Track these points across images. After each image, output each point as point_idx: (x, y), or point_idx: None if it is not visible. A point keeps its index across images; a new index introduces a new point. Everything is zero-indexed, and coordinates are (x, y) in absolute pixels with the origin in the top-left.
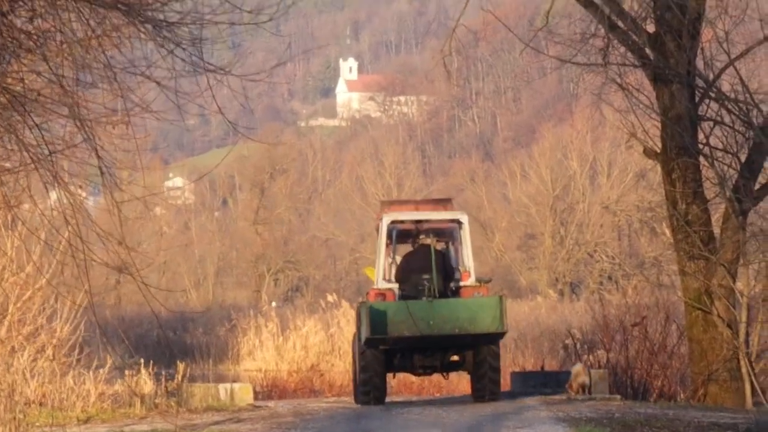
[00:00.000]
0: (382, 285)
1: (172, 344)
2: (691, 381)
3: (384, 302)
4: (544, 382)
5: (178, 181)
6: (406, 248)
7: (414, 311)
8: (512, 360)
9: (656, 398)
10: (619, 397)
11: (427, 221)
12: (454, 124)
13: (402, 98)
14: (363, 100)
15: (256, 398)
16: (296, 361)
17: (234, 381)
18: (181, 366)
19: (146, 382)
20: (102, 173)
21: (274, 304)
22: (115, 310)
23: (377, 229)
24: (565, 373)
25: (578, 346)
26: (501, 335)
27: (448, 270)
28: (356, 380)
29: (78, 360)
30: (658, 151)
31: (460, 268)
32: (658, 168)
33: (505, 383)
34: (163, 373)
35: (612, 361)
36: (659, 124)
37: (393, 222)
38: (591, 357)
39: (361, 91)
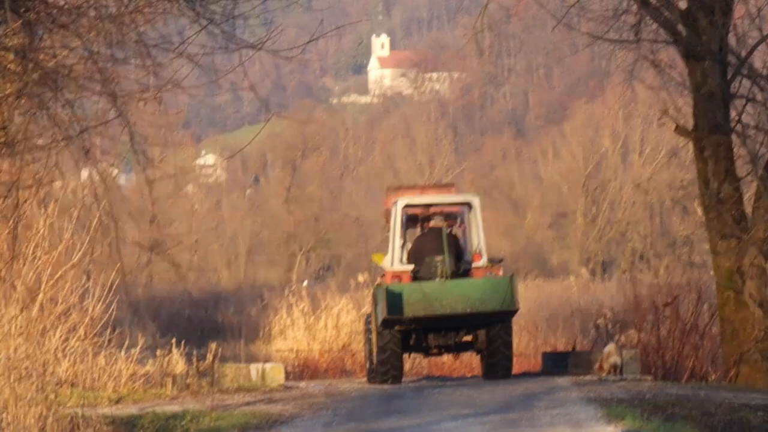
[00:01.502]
0: (398, 267)
1: (203, 324)
2: (722, 361)
3: (400, 284)
4: (576, 363)
5: (209, 159)
6: (411, 233)
7: (428, 292)
8: (544, 340)
9: (687, 379)
10: (650, 377)
11: (437, 205)
12: (486, 101)
13: (434, 75)
14: (395, 76)
15: (287, 378)
16: (328, 341)
17: (265, 361)
18: (212, 346)
19: (178, 362)
20: (134, 150)
21: (305, 283)
22: (147, 289)
23: (386, 215)
24: (597, 353)
25: (610, 326)
26: (512, 313)
27: (459, 251)
28: (370, 361)
29: (110, 340)
30: (690, 128)
31: (471, 249)
32: (690, 146)
33: (537, 363)
34: (195, 353)
35: (643, 341)
36: (691, 102)
37: (407, 206)
38: (622, 337)
39: (393, 67)
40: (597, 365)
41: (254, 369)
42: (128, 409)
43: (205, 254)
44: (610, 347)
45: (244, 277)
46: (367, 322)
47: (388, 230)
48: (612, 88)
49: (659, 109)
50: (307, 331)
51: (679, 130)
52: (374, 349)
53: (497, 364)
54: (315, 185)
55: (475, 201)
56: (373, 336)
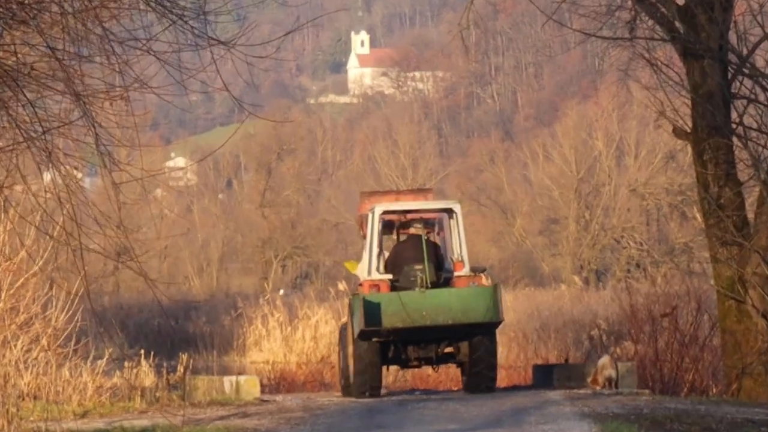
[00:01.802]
0: (375, 276)
1: (173, 334)
2: (724, 375)
3: (378, 293)
4: (569, 376)
5: (180, 161)
6: (387, 240)
7: (407, 302)
8: (534, 352)
9: (687, 393)
10: (647, 391)
11: (417, 211)
12: (472, 102)
13: (417, 74)
14: (375, 75)
15: (263, 392)
16: (305, 353)
17: (240, 373)
18: (183, 357)
19: (147, 375)
20: (99, 152)
21: (281, 291)
22: (114, 298)
23: (360, 222)
24: (591, 365)
25: (604, 337)
26: (496, 324)
27: (439, 260)
28: (345, 373)
29: (74, 351)
30: (689, 130)
31: (452, 257)
32: (689, 149)
33: (527, 376)
34: (165, 365)
35: (640, 354)
36: (689, 102)
37: (384, 212)
38: (618, 349)
39: (374, 66)
40: (591, 378)
41: (228, 382)
42: (94, 424)
43: (176, 261)
44: (605, 360)
45: (216, 286)
46: (342, 333)
47: (363, 237)
48: (605, 87)
49: (656, 110)
50: (283, 342)
51: (677, 132)
52: (350, 362)
53: (480, 375)
54: (291, 189)
55: (457, 207)
56: (349, 347)
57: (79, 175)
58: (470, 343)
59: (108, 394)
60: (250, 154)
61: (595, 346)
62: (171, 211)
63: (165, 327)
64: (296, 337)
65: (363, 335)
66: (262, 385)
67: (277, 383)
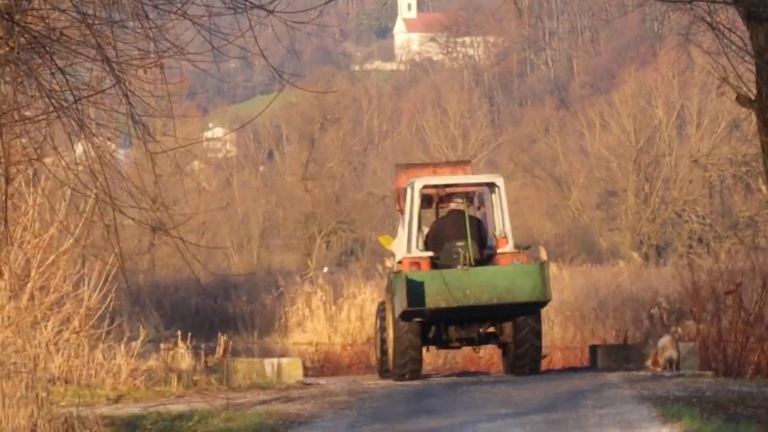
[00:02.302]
0: (415, 253)
1: (212, 314)
2: None
3: (419, 272)
4: (627, 357)
5: (218, 132)
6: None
7: (450, 281)
8: (591, 332)
9: (752, 375)
10: (710, 373)
11: (458, 185)
12: (525, 68)
13: (467, 39)
14: (423, 41)
15: (306, 375)
16: (351, 333)
17: (281, 355)
18: (222, 338)
19: (184, 357)
20: (133, 122)
21: (326, 269)
22: (149, 276)
23: (397, 195)
24: (651, 346)
25: (665, 316)
26: (543, 304)
27: (482, 236)
28: (383, 355)
29: (108, 332)
30: (753, 97)
31: (495, 234)
32: (753, 117)
33: (584, 358)
34: (203, 346)
35: (702, 333)
36: (754, 68)
37: (425, 187)
38: (679, 328)
39: (421, 31)
40: (651, 360)
41: (269, 364)
42: (129, 409)
43: (214, 237)
44: (666, 340)
45: (257, 263)
46: (380, 313)
47: (400, 212)
48: (665, 53)
49: (718, 76)
50: (327, 323)
51: (741, 99)
52: (390, 343)
53: (524, 357)
54: (335, 161)
55: (500, 181)
56: (389, 328)
57: (113, 147)
58: (514, 324)
59: (143, 377)
60: (292, 124)
61: (655, 326)
62: (209, 185)
63: (203, 306)
64: (341, 317)
65: (405, 315)
66: (305, 368)
67: (321, 366)
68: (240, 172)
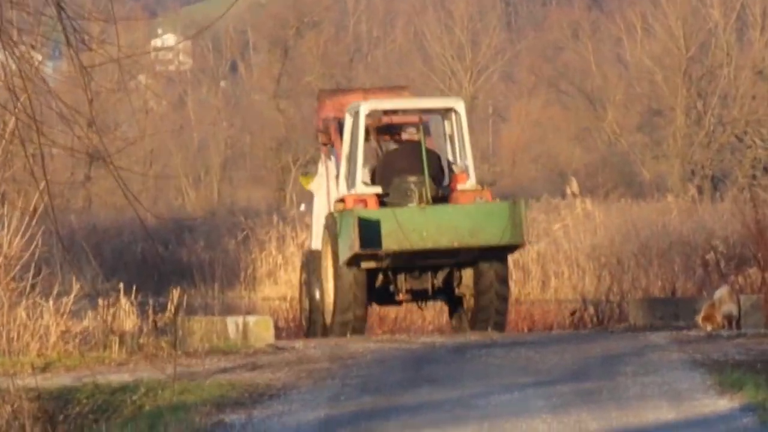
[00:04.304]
0: (361, 189)
1: (162, 263)
2: None
3: (370, 210)
4: (676, 313)
5: (169, 40)
6: None
7: (403, 221)
8: (631, 283)
9: None
10: None
11: (409, 111)
12: None
13: None
14: None
15: (278, 337)
16: None
17: (248, 313)
18: (174, 293)
19: (127, 316)
20: (63, 27)
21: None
22: (84, 217)
23: (321, 127)
24: (705, 300)
25: (722, 263)
26: (512, 249)
27: (439, 174)
28: (313, 312)
29: (33, 285)
30: None
31: (454, 168)
32: None
33: (622, 314)
34: (151, 302)
35: None
36: None
37: (372, 113)
38: (740, 278)
39: None
40: (704, 316)
41: (233, 323)
42: (59, 379)
43: (165, 169)
44: (723, 292)
45: (218, 200)
46: (308, 264)
47: (324, 145)
48: None
49: None
50: None
51: None
52: (326, 297)
53: (487, 310)
54: (314, 75)
55: (461, 106)
56: (325, 280)
57: (39, 58)
58: (475, 270)
59: (76, 340)
60: (261, 29)
61: (710, 275)
62: (158, 104)
63: (151, 254)
64: None
65: (354, 261)
66: (277, 329)
67: (297, 325)
68: (196, 88)
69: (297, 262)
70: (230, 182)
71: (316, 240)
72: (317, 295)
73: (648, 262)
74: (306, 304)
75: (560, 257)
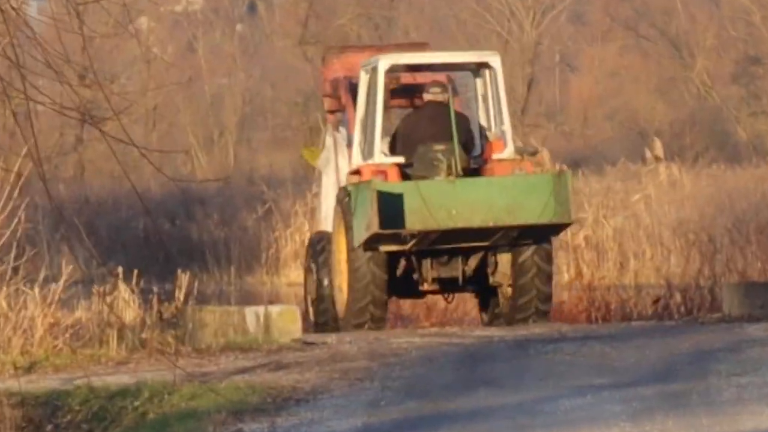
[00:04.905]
0: (379, 159)
1: (168, 242)
2: None
3: (391, 183)
4: None
5: None
6: None
7: (428, 196)
8: (726, 264)
9: None
10: None
11: (438, 66)
12: None
13: None
14: None
15: (305, 330)
16: None
17: (271, 302)
18: (183, 278)
19: (128, 305)
20: None
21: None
22: (77, 187)
23: (328, 89)
24: None
25: None
26: (560, 228)
27: (470, 140)
28: (324, 303)
29: (15, 269)
30: None
31: (488, 134)
32: None
33: (715, 302)
34: (155, 289)
35: None
36: None
37: (392, 69)
38: None
39: None
40: None
41: (252, 315)
42: (46, 382)
43: (171, 129)
44: None
45: (234, 166)
46: (315, 245)
47: (333, 112)
48: None
49: None
50: None
51: None
52: (341, 283)
53: (529, 307)
54: (347, 17)
55: (496, 61)
56: (338, 263)
57: None
58: (514, 262)
59: (67, 335)
60: None
61: None
62: (163, 52)
63: (155, 231)
64: None
65: (373, 242)
66: (304, 320)
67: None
68: (208, 33)
69: None
70: (248, 144)
71: (325, 222)
72: (326, 282)
73: (745, 239)
74: (313, 293)
75: (641, 234)
